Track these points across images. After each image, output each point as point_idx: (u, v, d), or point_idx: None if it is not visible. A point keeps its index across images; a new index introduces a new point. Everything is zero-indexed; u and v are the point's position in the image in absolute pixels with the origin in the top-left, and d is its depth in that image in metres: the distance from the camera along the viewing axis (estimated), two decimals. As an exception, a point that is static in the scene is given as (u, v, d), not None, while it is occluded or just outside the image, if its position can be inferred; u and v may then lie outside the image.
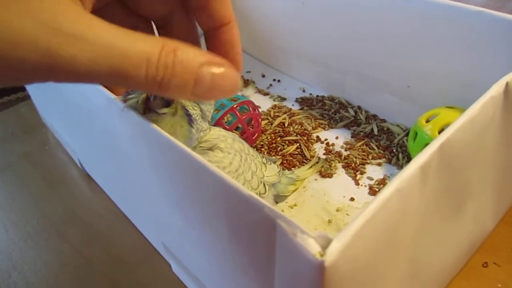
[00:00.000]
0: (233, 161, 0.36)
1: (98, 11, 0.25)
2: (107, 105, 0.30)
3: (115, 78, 0.21)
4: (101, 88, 0.29)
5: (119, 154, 0.36)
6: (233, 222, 0.24)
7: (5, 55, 0.18)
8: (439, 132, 0.45)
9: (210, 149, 0.34)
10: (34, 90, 0.60)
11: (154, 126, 0.25)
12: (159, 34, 0.30)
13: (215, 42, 0.29)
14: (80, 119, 0.42)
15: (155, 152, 0.27)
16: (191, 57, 0.22)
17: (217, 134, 0.36)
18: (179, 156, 0.24)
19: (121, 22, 0.22)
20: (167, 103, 0.29)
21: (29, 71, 0.19)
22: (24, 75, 0.19)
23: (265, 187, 0.40)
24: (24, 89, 0.82)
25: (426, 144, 0.45)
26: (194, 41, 0.30)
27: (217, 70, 0.23)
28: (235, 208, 0.23)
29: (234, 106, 0.52)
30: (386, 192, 0.21)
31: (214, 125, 0.48)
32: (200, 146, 0.34)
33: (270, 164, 0.44)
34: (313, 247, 0.18)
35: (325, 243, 0.18)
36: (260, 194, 0.39)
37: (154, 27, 0.30)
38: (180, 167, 0.26)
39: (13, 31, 0.18)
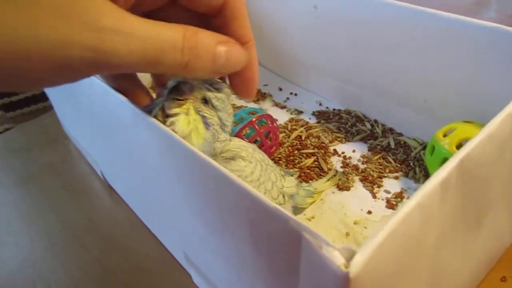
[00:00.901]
0: (254, 170, 0.36)
1: None
2: (133, 118, 0.31)
3: (148, 66, 0.24)
4: (127, 101, 0.31)
5: (143, 165, 0.37)
6: (257, 233, 0.25)
7: (58, 54, 0.20)
8: (457, 147, 0.46)
9: (232, 158, 0.35)
10: (57, 101, 0.61)
11: (180, 138, 0.26)
12: None
13: None
14: (104, 131, 0.43)
15: (181, 163, 0.28)
16: (208, 38, 0.26)
17: (238, 144, 0.37)
18: (204, 168, 0.25)
19: None
20: (179, 104, 0.31)
21: (77, 68, 0.22)
22: (74, 72, 0.22)
23: (284, 198, 0.41)
24: (46, 100, 0.84)
25: (444, 158, 0.46)
26: None
27: (229, 47, 0.27)
28: (259, 219, 0.23)
29: (253, 120, 0.53)
30: (407, 207, 0.21)
31: (233, 138, 0.49)
32: (222, 156, 0.35)
33: (288, 176, 0.44)
34: (338, 259, 0.19)
35: (349, 256, 0.19)
36: (280, 204, 0.40)
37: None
38: (204, 178, 0.26)
39: (63, 34, 0.20)
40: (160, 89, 0.35)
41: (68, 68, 0.21)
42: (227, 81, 0.33)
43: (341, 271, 0.18)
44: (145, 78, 0.35)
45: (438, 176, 0.23)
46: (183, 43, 0.24)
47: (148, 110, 0.30)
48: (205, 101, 0.32)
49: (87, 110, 0.44)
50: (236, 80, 0.32)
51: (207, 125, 0.32)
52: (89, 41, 0.21)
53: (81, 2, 0.21)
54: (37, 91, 0.84)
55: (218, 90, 0.32)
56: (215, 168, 0.24)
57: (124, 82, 0.34)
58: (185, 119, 0.31)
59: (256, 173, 0.36)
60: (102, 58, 0.22)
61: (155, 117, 0.29)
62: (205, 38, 0.26)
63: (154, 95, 0.35)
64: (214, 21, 0.30)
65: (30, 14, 0.20)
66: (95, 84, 0.34)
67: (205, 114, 0.32)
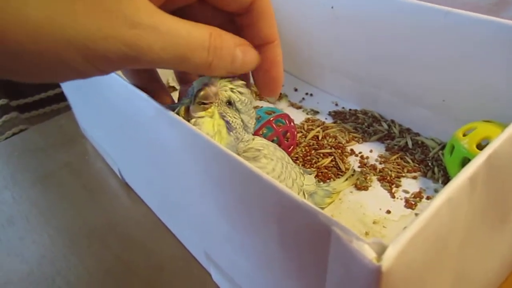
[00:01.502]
0: (276, 167, 0.37)
1: None
2: (156, 115, 0.31)
3: (176, 63, 0.25)
4: (149, 98, 0.31)
5: (165, 163, 0.37)
6: (284, 228, 0.25)
7: (95, 46, 0.21)
8: (477, 146, 0.45)
9: (255, 157, 0.35)
10: (75, 100, 0.62)
11: (206, 136, 0.27)
12: None
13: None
14: (124, 129, 0.44)
15: (207, 160, 0.28)
16: (230, 40, 0.27)
17: (260, 143, 0.37)
18: (231, 164, 0.25)
19: None
20: (204, 108, 0.32)
21: (111, 60, 0.22)
22: (106, 64, 0.23)
23: (304, 196, 0.41)
24: (60, 101, 0.85)
25: (464, 158, 0.46)
26: None
27: (245, 49, 0.28)
28: (287, 214, 0.23)
29: (271, 119, 0.53)
30: (437, 201, 0.21)
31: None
32: (244, 155, 0.35)
33: (307, 174, 0.44)
34: (369, 253, 0.19)
35: (379, 250, 0.19)
36: None
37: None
38: (231, 175, 0.27)
39: (102, 27, 0.21)
40: (183, 87, 0.35)
41: (103, 60, 0.22)
42: (252, 80, 0.34)
43: (373, 265, 0.18)
44: (162, 74, 0.35)
45: (467, 171, 0.23)
46: (209, 43, 0.25)
47: (171, 108, 0.31)
48: (229, 103, 0.33)
49: (107, 108, 0.44)
50: (261, 79, 0.33)
51: (229, 129, 0.33)
52: (126, 36, 0.22)
53: None
54: (52, 92, 0.85)
55: (241, 93, 0.33)
56: (242, 164, 0.24)
57: (145, 80, 0.34)
58: (210, 122, 0.32)
59: (277, 171, 0.37)
60: (136, 53, 0.22)
61: (177, 114, 0.30)
62: (228, 40, 0.27)
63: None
64: (241, 19, 0.30)
65: (71, 5, 0.20)
66: (117, 82, 0.35)
67: (228, 119, 0.33)
